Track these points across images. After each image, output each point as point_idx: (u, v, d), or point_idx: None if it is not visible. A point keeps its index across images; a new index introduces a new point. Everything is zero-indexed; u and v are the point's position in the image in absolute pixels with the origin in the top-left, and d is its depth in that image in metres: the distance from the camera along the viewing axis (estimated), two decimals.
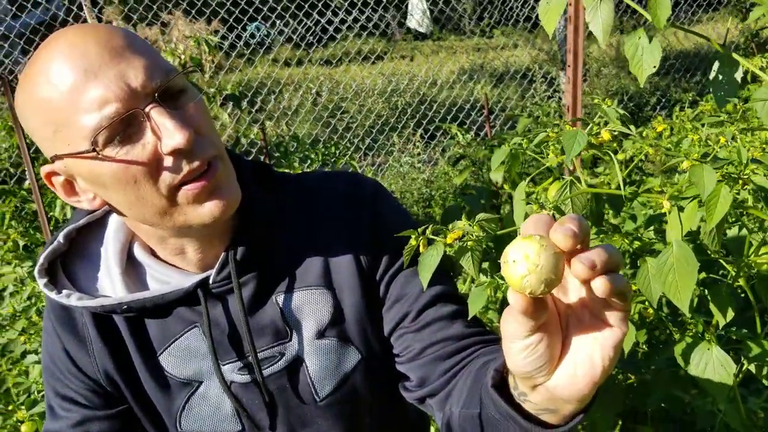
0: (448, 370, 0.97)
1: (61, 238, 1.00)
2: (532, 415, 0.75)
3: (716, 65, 0.97)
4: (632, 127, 1.09)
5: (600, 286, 0.58)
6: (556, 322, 0.65)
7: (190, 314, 0.98)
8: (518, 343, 0.65)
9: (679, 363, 1.23)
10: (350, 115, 6.27)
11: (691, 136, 1.94)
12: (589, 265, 0.57)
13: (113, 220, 1.02)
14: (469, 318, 1.02)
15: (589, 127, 1.04)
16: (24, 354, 2.10)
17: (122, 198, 0.86)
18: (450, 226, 0.98)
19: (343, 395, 1.03)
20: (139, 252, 0.99)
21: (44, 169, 0.89)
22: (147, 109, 0.80)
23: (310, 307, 1.00)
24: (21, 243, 2.87)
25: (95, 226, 1.03)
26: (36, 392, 2.03)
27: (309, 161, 3.97)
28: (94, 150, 0.80)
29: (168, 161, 0.83)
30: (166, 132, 0.80)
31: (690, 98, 3.71)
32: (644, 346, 1.79)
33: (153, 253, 0.99)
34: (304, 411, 1.03)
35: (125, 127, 0.80)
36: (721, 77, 0.97)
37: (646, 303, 1.42)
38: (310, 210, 1.04)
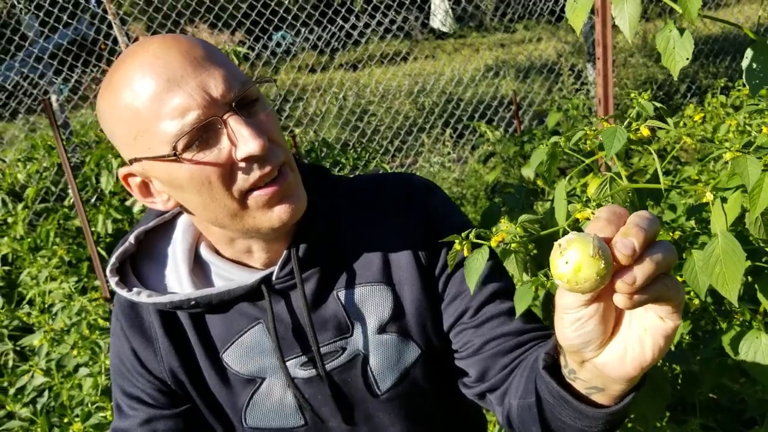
0: (508, 365, 0.99)
1: (132, 239, 1.05)
2: (583, 396, 0.78)
3: (749, 52, 0.96)
4: (669, 120, 1.09)
5: (633, 302, 0.61)
6: (610, 301, 0.65)
7: (252, 310, 1.02)
8: (571, 314, 0.67)
9: (726, 352, 1.22)
10: (378, 117, 6.29)
11: (729, 122, 1.92)
12: (629, 283, 0.60)
13: (181, 221, 1.07)
14: (516, 316, 1.03)
15: (626, 122, 1.04)
16: (77, 368, 2.16)
17: (196, 200, 0.91)
18: (493, 229, 0.99)
19: (403, 389, 1.06)
20: (205, 251, 1.04)
21: (122, 171, 0.94)
22: (225, 117, 0.85)
23: (371, 302, 1.03)
24: (66, 259, 2.95)
25: (163, 228, 1.08)
26: (90, 404, 2.08)
27: (340, 166, 4.00)
28: (174, 154, 0.85)
29: (241, 166, 0.87)
30: (242, 139, 0.85)
31: (721, 84, 3.65)
32: (688, 337, 1.77)
33: (218, 253, 1.04)
34: (366, 405, 1.05)
35: (203, 133, 0.85)
36: (755, 65, 0.97)
37: (692, 294, 1.42)
38: (367, 209, 1.08)
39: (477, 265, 0.97)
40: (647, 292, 0.62)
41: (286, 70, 7.25)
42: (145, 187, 0.95)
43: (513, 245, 0.99)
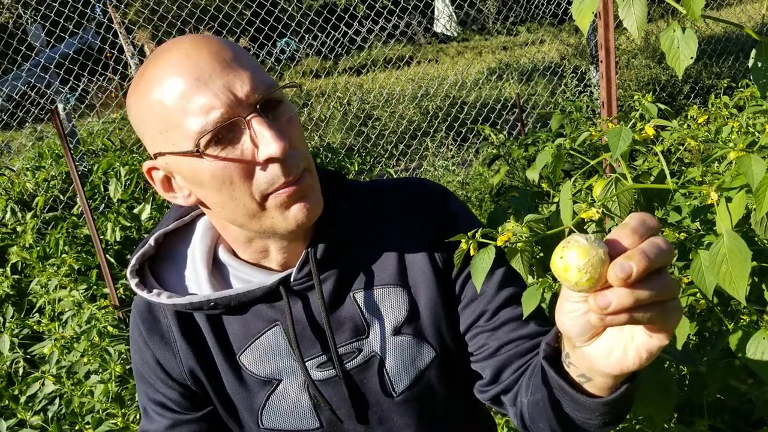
0: (521, 366, 1.01)
1: (151, 241, 1.07)
2: (580, 386, 0.79)
3: (754, 52, 0.97)
4: (674, 121, 1.10)
5: (605, 323, 0.64)
6: None
7: (270, 312, 1.03)
8: (569, 304, 0.69)
9: (734, 353, 1.23)
10: (381, 122, 6.31)
11: (732, 124, 1.93)
12: (601, 306, 0.62)
13: (201, 224, 1.09)
14: (524, 317, 1.05)
15: (631, 123, 1.05)
16: (88, 375, 2.17)
17: (217, 197, 0.92)
18: (500, 229, 1.00)
19: (418, 391, 1.06)
20: (223, 254, 1.05)
21: (146, 165, 0.97)
22: (248, 118, 0.87)
23: (387, 304, 1.04)
24: (75, 267, 2.97)
25: (182, 230, 1.10)
26: (101, 411, 2.10)
27: (345, 170, 4.01)
28: (197, 150, 0.87)
29: (262, 168, 0.89)
30: (263, 140, 0.87)
31: (725, 84, 3.64)
32: (695, 338, 1.78)
33: (235, 255, 1.05)
34: (381, 407, 1.06)
35: (226, 132, 0.87)
36: (760, 64, 0.97)
37: (698, 295, 1.42)
38: (383, 212, 1.10)
39: (483, 264, 0.98)
40: (622, 318, 0.62)
41: (290, 76, 7.27)
42: (168, 182, 0.97)
43: (519, 245, 1.00)
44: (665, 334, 0.66)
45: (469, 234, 1.01)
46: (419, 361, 1.06)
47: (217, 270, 1.06)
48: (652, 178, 1.33)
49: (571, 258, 0.62)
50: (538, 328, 1.05)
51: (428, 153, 5.88)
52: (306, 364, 1.03)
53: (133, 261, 1.05)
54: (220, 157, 0.88)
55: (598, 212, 0.95)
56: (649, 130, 0.98)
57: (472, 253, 1.01)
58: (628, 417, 1.85)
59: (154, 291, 1.03)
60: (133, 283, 1.04)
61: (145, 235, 1.11)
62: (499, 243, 1.00)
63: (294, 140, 0.91)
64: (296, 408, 1.05)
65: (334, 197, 1.06)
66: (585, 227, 1.18)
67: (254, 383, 1.04)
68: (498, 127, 5.82)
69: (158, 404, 1.08)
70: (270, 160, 0.88)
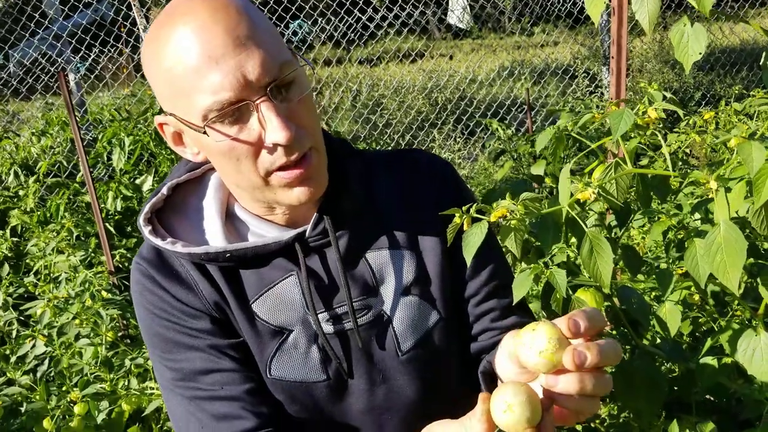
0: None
1: (164, 190, 1.07)
2: None
3: (765, 54, 0.97)
4: (680, 111, 1.09)
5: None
6: None
7: (287, 264, 1.04)
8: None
9: (725, 351, 1.22)
10: (390, 111, 6.29)
11: (741, 127, 1.92)
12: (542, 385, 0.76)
13: (215, 177, 1.09)
14: (514, 302, 1.10)
15: (636, 108, 1.04)
16: (78, 337, 2.17)
17: (222, 167, 0.96)
18: (494, 205, 1.00)
19: (423, 351, 1.09)
20: (238, 207, 1.06)
21: (158, 119, 0.98)
22: (257, 101, 0.88)
23: (397, 266, 1.08)
24: (75, 233, 2.97)
25: (193, 183, 1.10)
26: (89, 374, 2.10)
27: None
28: (203, 127, 0.89)
29: (268, 149, 0.91)
30: (270, 126, 0.88)
31: (736, 91, 3.62)
32: (688, 339, 1.77)
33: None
34: (386, 365, 1.08)
35: (235, 111, 0.88)
36: None
37: (692, 289, 1.41)
38: (400, 178, 1.13)
39: (475, 239, 0.98)
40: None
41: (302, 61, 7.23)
42: (179, 137, 0.99)
43: (513, 222, 1.00)
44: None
45: (463, 208, 1.01)
46: (425, 321, 1.09)
47: (231, 224, 1.06)
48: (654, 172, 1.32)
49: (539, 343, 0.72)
50: (518, 320, 1.12)
51: (435, 145, 5.86)
52: (318, 316, 1.04)
53: (146, 209, 1.05)
54: (227, 135, 0.90)
55: (593, 193, 0.94)
56: (652, 113, 0.97)
57: (465, 228, 1.01)
58: (615, 410, 1.84)
59: (168, 240, 1.03)
60: (146, 231, 1.04)
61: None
62: (492, 219, 1.00)
63: (303, 120, 0.93)
64: (305, 359, 1.05)
65: (347, 163, 1.08)
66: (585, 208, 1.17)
67: (266, 332, 1.04)
68: (507, 122, 5.80)
69: (189, 348, 1.02)
70: (276, 145, 0.90)
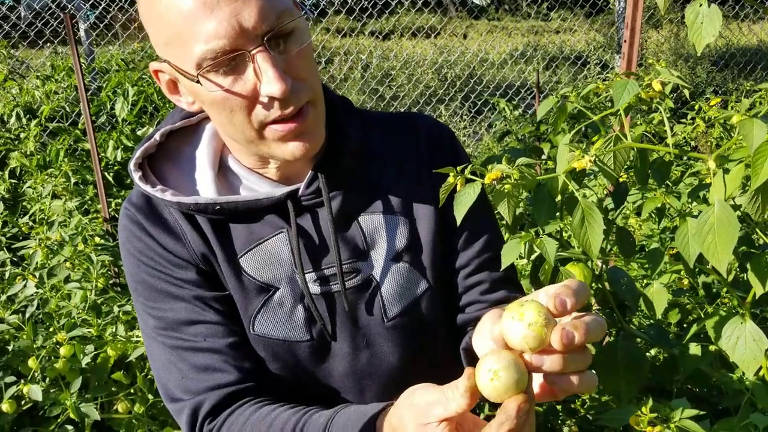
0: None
1: (157, 136, 1.05)
2: None
3: None
4: (686, 88, 1.07)
5: None
6: None
7: (278, 221, 1.03)
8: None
9: (710, 338, 1.21)
10: (398, 84, 6.25)
11: (744, 104, 1.89)
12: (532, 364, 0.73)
13: (209, 127, 1.07)
14: (502, 268, 1.09)
15: (639, 80, 1.03)
16: (67, 279, 2.17)
17: (216, 118, 0.93)
18: (489, 167, 0.98)
19: (409, 319, 1.08)
20: (231, 159, 1.04)
21: (153, 66, 0.96)
22: (253, 52, 0.85)
23: (389, 231, 1.06)
24: (73, 179, 2.96)
25: (187, 131, 1.08)
26: (76, 317, 2.10)
27: None
28: (197, 76, 0.86)
29: (263, 101, 0.88)
30: (266, 78, 0.86)
31: (747, 87, 3.58)
32: (676, 328, 1.77)
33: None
34: (371, 330, 1.07)
35: (230, 60, 0.86)
36: None
37: (682, 272, 1.40)
38: (398, 143, 1.11)
39: (467, 199, 0.97)
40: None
41: (313, 29, 7.19)
42: (174, 85, 0.97)
43: (507, 187, 0.98)
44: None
45: (458, 168, 1.00)
46: (413, 289, 1.07)
47: (223, 176, 1.05)
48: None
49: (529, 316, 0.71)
50: (507, 294, 1.11)
51: (440, 120, 5.83)
52: (305, 276, 1.03)
53: (137, 154, 1.03)
54: (221, 86, 0.87)
55: (590, 160, 0.93)
56: (657, 86, 0.96)
57: (458, 188, 1.00)
58: (595, 390, 1.85)
59: (158, 187, 1.01)
60: (136, 176, 1.02)
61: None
62: (486, 181, 0.99)
63: (300, 72, 0.90)
64: (290, 318, 1.04)
65: (347, 122, 1.06)
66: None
67: (252, 288, 1.03)
68: (514, 103, 5.76)
69: (174, 297, 1.01)
70: (271, 98, 0.88)
